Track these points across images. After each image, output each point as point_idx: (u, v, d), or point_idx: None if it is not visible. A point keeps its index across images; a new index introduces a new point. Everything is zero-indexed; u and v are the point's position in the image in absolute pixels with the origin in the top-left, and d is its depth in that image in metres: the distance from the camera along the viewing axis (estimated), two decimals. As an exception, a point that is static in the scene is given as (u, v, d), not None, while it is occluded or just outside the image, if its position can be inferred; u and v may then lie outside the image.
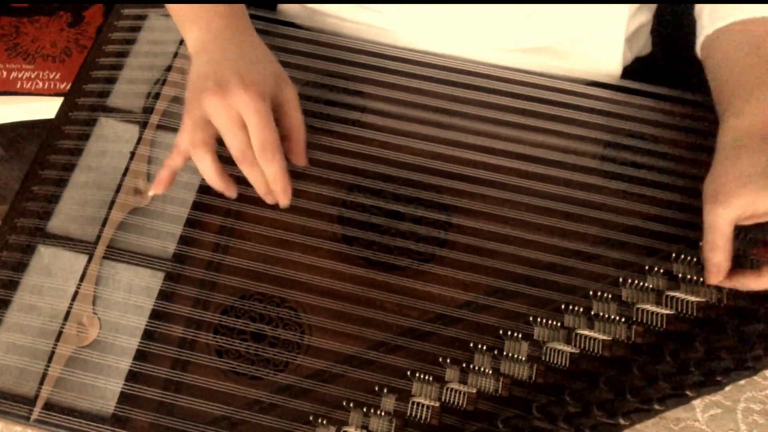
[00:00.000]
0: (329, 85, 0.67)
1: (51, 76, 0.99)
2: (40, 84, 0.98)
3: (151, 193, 0.58)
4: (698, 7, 0.63)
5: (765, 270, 0.55)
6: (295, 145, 0.58)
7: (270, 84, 0.56)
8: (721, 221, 0.54)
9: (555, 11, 0.65)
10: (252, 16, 0.70)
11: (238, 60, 0.56)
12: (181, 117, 0.56)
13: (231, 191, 0.57)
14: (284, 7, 0.73)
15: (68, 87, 0.96)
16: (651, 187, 0.63)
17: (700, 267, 0.58)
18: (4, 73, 0.98)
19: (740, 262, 0.58)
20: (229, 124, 0.54)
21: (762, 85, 0.57)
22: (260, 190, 0.57)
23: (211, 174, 0.55)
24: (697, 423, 0.55)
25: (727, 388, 0.55)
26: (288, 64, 0.68)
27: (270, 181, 0.56)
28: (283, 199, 0.57)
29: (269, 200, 0.58)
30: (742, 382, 0.56)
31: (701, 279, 0.58)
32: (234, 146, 0.54)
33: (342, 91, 0.67)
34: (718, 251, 0.55)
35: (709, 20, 0.62)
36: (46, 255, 0.59)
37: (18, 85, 0.98)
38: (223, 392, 0.54)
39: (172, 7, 0.62)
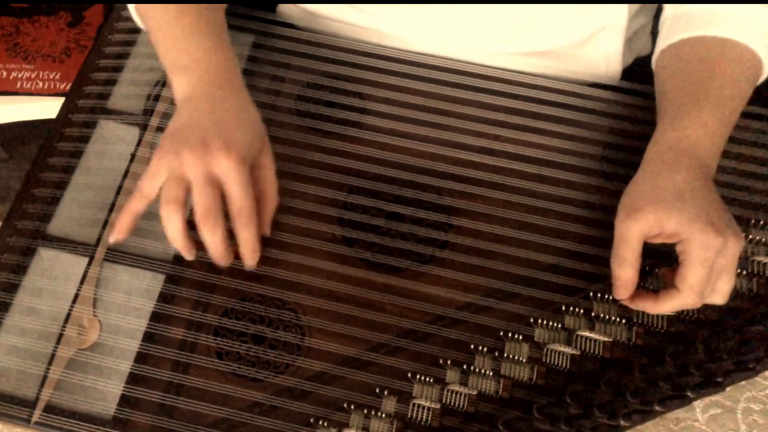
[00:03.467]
0: (328, 86, 0.67)
1: (51, 76, 0.99)
2: (40, 84, 0.98)
3: (112, 240, 0.55)
4: (660, 21, 0.64)
5: (662, 295, 0.54)
6: (264, 213, 0.57)
7: (253, 149, 0.54)
8: (630, 235, 0.53)
9: (554, 15, 0.65)
10: (252, 17, 0.70)
11: (225, 119, 0.54)
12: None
13: (190, 254, 0.54)
14: (283, 8, 0.73)
15: (68, 87, 0.96)
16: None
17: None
18: (4, 73, 0.98)
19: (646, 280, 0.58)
20: (203, 183, 0.52)
21: (697, 104, 0.57)
22: (215, 253, 0.54)
23: (176, 235, 0.53)
24: (697, 423, 0.55)
25: (727, 389, 0.55)
26: (287, 66, 0.68)
27: (242, 244, 0.54)
28: (251, 262, 0.56)
29: (221, 262, 0.55)
30: (742, 382, 0.56)
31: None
32: (201, 204, 0.52)
33: (341, 92, 0.67)
34: (625, 265, 0.54)
35: (666, 35, 0.62)
36: (46, 257, 0.59)
37: (18, 85, 0.98)
38: (224, 394, 0.54)
39: (161, 50, 0.59)
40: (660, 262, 0.58)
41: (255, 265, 0.56)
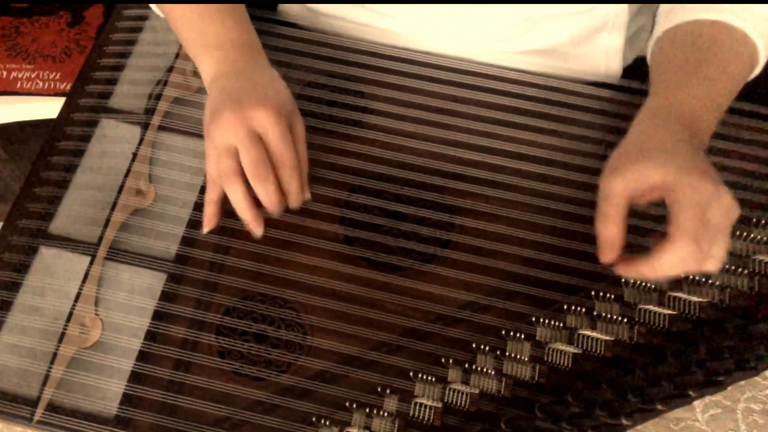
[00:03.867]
0: (330, 85, 0.67)
1: (51, 76, 0.99)
2: (40, 84, 0.98)
3: (205, 231, 0.57)
4: (657, 13, 0.64)
5: (655, 251, 0.50)
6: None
7: (287, 107, 0.56)
8: (614, 190, 0.51)
9: (555, 14, 0.65)
10: (252, 17, 0.70)
11: (254, 83, 0.56)
12: (187, 118, 0.55)
13: (257, 226, 0.55)
14: (285, 8, 0.73)
15: (68, 87, 0.96)
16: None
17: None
18: (4, 73, 0.98)
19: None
20: (247, 141, 0.53)
21: (693, 75, 0.57)
22: (270, 206, 0.55)
23: (241, 204, 0.54)
24: (697, 423, 0.55)
25: (727, 388, 0.55)
26: (289, 65, 0.68)
27: (289, 196, 0.55)
28: (296, 204, 0.57)
29: (277, 208, 0.55)
30: (742, 382, 0.56)
31: (704, 279, 0.58)
32: (248, 160, 0.53)
33: (343, 91, 0.67)
34: (609, 223, 0.51)
35: (662, 22, 0.62)
36: (48, 256, 0.59)
37: (18, 85, 0.98)
38: (226, 393, 0.54)
39: (184, 35, 0.61)
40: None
41: (297, 207, 0.57)
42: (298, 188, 0.55)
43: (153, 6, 0.68)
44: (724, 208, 0.50)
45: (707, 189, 0.49)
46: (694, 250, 0.48)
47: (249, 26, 0.61)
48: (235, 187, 0.54)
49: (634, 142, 0.54)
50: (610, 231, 0.52)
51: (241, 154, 0.53)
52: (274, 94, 0.56)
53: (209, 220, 0.56)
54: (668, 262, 0.49)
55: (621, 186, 0.51)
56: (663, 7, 0.63)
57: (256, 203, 0.55)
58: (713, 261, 0.50)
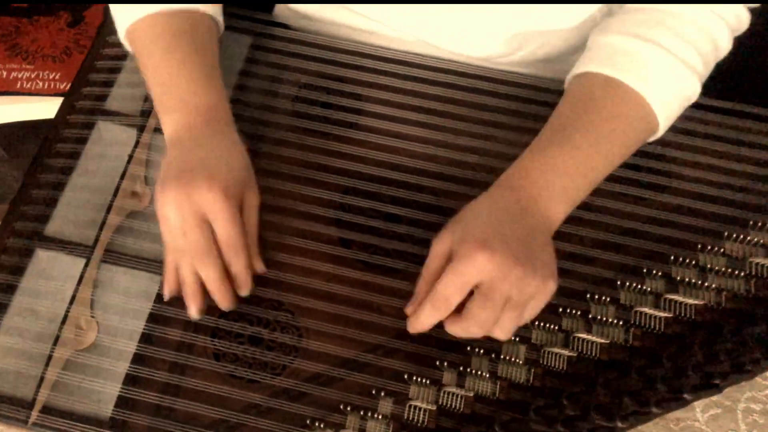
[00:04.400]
0: (325, 87, 0.67)
1: (51, 76, 0.99)
2: (40, 84, 0.99)
3: (166, 298, 0.56)
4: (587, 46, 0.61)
5: (459, 320, 0.51)
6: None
7: (238, 185, 0.54)
8: (430, 250, 0.53)
9: (548, 30, 0.64)
10: (248, 18, 0.70)
11: (209, 155, 0.54)
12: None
13: (195, 311, 0.55)
14: (280, 10, 0.73)
15: (68, 87, 0.96)
16: (649, 190, 0.62)
17: (698, 270, 0.58)
18: (4, 73, 0.99)
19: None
20: (188, 222, 0.52)
21: (556, 143, 0.55)
22: (212, 287, 0.54)
23: (188, 282, 0.54)
24: (697, 423, 0.55)
25: (727, 389, 0.55)
26: (283, 67, 0.68)
27: (236, 276, 0.55)
28: (244, 292, 0.56)
29: (224, 302, 0.55)
30: (737, 384, 0.56)
31: (700, 282, 0.58)
32: (190, 244, 0.53)
33: (338, 93, 0.67)
34: (420, 281, 0.54)
35: (575, 66, 0.59)
36: (43, 258, 0.59)
37: (18, 85, 0.98)
38: (221, 395, 0.54)
39: (152, 90, 0.59)
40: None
41: (247, 295, 0.56)
42: (243, 269, 0.54)
43: (126, 46, 0.64)
44: (507, 286, 0.49)
45: (480, 262, 0.49)
46: (429, 315, 0.51)
47: (219, 92, 0.58)
48: (185, 264, 0.54)
49: (465, 210, 0.54)
50: (419, 288, 0.54)
51: (186, 236, 0.52)
52: (226, 170, 0.54)
53: (168, 285, 0.56)
54: (420, 321, 0.52)
55: (437, 246, 0.53)
56: (590, 42, 0.60)
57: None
58: (501, 330, 0.51)
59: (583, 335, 0.56)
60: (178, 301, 0.56)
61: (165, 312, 0.56)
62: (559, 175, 0.53)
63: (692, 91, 0.58)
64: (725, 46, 0.59)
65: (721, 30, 0.57)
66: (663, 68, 0.56)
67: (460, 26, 0.65)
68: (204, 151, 0.55)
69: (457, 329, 0.51)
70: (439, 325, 0.56)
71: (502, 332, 0.51)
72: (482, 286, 0.50)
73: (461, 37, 0.66)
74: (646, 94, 0.55)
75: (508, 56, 0.67)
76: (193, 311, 0.55)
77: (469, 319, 0.50)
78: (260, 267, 0.57)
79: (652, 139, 0.59)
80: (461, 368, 0.54)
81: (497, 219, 0.52)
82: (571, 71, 0.60)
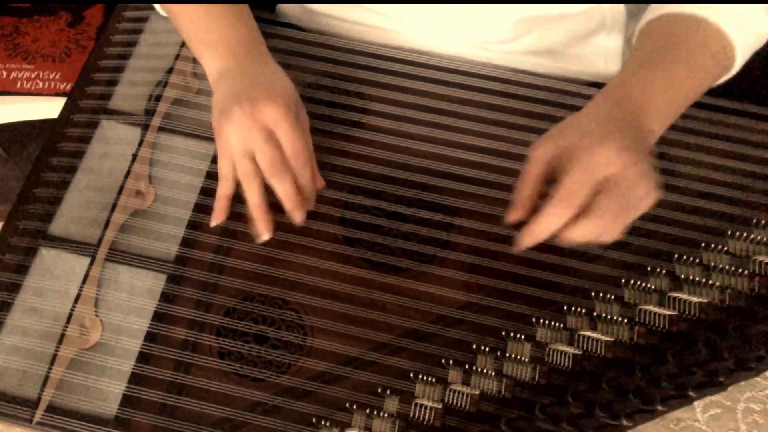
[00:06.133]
0: (330, 86, 0.67)
1: (51, 76, 0.99)
2: (40, 84, 0.98)
3: (212, 224, 0.58)
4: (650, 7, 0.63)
5: (585, 218, 0.50)
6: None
7: (294, 102, 0.56)
8: (533, 154, 0.53)
9: (552, 14, 0.65)
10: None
11: (260, 79, 0.56)
12: (188, 119, 0.55)
13: (267, 228, 0.56)
14: (283, 8, 0.73)
15: (68, 87, 0.96)
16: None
17: (702, 268, 0.59)
18: (4, 73, 0.98)
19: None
20: (261, 141, 0.53)
21: (652, 64, 0.56)
22: (289, 202, 0.56)
23: (257, 203, 0.55)
24: (697, 423, 0.55)
25: (727, 389, 0.55)
26: (288, 66, 0.68)
27: (304, 188, 0.56)
28: (312, 204, 0.58)
29: (298, 215, 0.56)
30: (742, 382, 0.56)
31: (704, 280, 0.58)
32: (265, 161, 0.54)
33: (343, 92, 0.67)
34: (521, 184, 0.53)
35: (647, 14, 0.62)
36: (48, 257, 0.59)
37: (18, 85, 0.98)
38: (226, 394, 0.54)
39: (189, 34, 0.62)
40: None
41: (312, 206, 0.58)
42: (311, 180, 0.56)
43: (157, 6, 0.68)
44: (631, 180, 0.50)
45: (606, 154, 0.49)
46: (563, 213, 0.50)
47: (253, 23, 0.61)
48: (254, 188, 0.55)
49: (576, 116, 0.55)
50: (519, 191, 0.54)
51: (257, 155, 0.54)
52: (281, 88, 0.56)
53: (219, 214, 0.57)
54: (543, 226, 0.51)
55: (540, 151, 0.53)
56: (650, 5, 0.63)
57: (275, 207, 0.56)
58: (607, 232, 0.51)
59: (588, 333, 0.56)
60: (181, 300, 0.57)
61: (169, 310, 0.56)
62: (658, 97, 0.55)
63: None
64: None
65: None
66: (743, 7, 0.57)
67: (465, 13, 0.65)
68: (253, 76, 0.57)
69: (581, 229, 0.50)
70: (443, 324, 0.56)
71: (612, 234, 0.51)
72: (609, 179, 0.49)
73: (468, 21, 0.66)
74: (729, 30, 0.57)
75: (513, 42, 0.67)
76: (266, 232, 0.56)
77: (599, 215, 0.49)
78: (322, 182, 0.59)
79: (725, 77, 0.60)
80: (467, 366, 0.54)
81: (613, 121, 0.53)
82: (643, 18, 0.61)
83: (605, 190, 0.50)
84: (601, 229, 0.50)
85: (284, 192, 0.55)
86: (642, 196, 0.51)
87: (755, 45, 0.60)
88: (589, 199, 0.50)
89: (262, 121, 0.54)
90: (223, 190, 0.57)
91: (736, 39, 0.57)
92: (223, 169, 0.56)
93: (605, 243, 0.52)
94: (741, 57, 0.59)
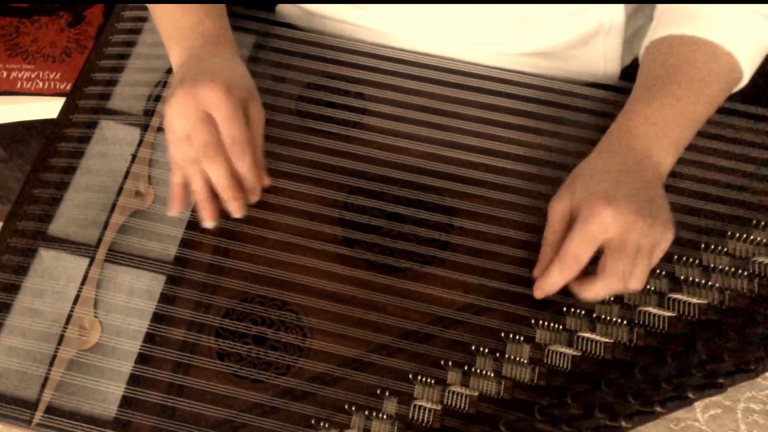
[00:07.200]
0: (329, 86, 0.67)
1: (51, 76, 0.99)
2: (40, 84, 0.98)
3: (170, 214, 0.58)
4: (654, 13, 0.63)
5: (596, 279, 0.53)
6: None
7: (240, 89, 0.55)
8: (551, 212, 0.55)
9: (551, 16, 0.64)
10: (251, 18, 0.70)
11: (212, 68, 0.56)
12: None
13: (209, 217, 0.56)
14: (283, 8, 0.73)
15: (68, 87, 0.96)
16: (652, 189, 0.62)
17: (702, 269, 0.58)
18: (4, 73, 0.98)
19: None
20: (195, 120, 0.53)
21: (659, 96, 0.57)
22: (223, 191, 0.55)
23: (198, 189, 0.55)
24: (697, 423, 0.55)
25: (727, 390, 0.55)
26: (287, 66, 0.68)
27: (244, 177, 0.56)
28: (254, 196, 0.58)
29: (234, 206, 0.56)
30: (741, 383, 0.56)
31: (704, 281, 0.58)
32: (197, 142, 0.53)
33: (342, 92, 0.67)
34: (544, 244, 0.56)
35: (652, 31, 0.62)
36: (47, 258, 0.59)
37: (18, 85, 0.98)
38: (225, 395, 0.54)
39: (160, 27, 0.62)
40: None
41: (256, 199, 0.58)
42: (250, 169, 0.55)
43: (149, 6, 0.68)
44: (634, 239, 0.51)
45: (605, 222, 0.51)
46: (564, 271, 0.53)
47: (221, 20, 0.61)
48: (193, 173, 0.55)
49: (586, 164, 0.56)
50: (543, 252, 0.56)
51: (192, 137, 0.53)
52: (228, 75, 0.55)
53: (173, 201, 0.57)
54: (552, 280, 0.54)
55: (557, 209, 0.55)
56: (657, 10, 0.63)
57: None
58: (635, 280, 0.52)
59: (587, 334, 0.56)
60: (180, 301, 0.57)
61: (169, 311, 0.56)
62: (666, 128, 0.56)
63: None
64: None
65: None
66: (743, 21, 0.58)
67: (464, 14, 0.65)
68: (205, 65, 0.57)
69: (596, 289, 0.53)
70: (442, 325, 0.56)
71: (638, 282, 0.52)
72: (612, 241, 0.51)
73: (467, 22, 0.66)
74: (732, 48, 0.57)
75: (512, 43, 0.67)
76: (208, 219, 0.56)
77: (606, 275, 0.52)
78: (266, 180, 0.58)
79: (737, 88, 0.61)
80: (466, 368, 0.54)
81: (615, 174, 0.54)
82: (647, 37, 0.62)
83: (610, 251, 0.52)
84: (616, 285, 0.52)
85: (216, 178, 0.54)
86: (656, 242, 0.52)
87: (760, 57, 0.60)
88: (590, 258, 0.53)
89: (200, 103, 0.53)
90: (175, 177, 0.57)
91: (741, 57, 0.58)
92: (172, 154, 0.56)
93: (636, 290, 0.53)
94: (748, 73, 0.59)
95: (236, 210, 0.56)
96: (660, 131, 0.56)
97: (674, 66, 0.58)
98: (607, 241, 0.52)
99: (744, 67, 0.58)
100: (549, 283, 0.54)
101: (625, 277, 0.52)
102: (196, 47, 0.59)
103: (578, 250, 0.52)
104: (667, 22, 0.60)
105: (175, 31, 0.60)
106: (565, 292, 0.57)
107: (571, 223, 0.54)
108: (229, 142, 0.54)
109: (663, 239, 0.53)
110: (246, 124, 0.55)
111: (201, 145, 0.53)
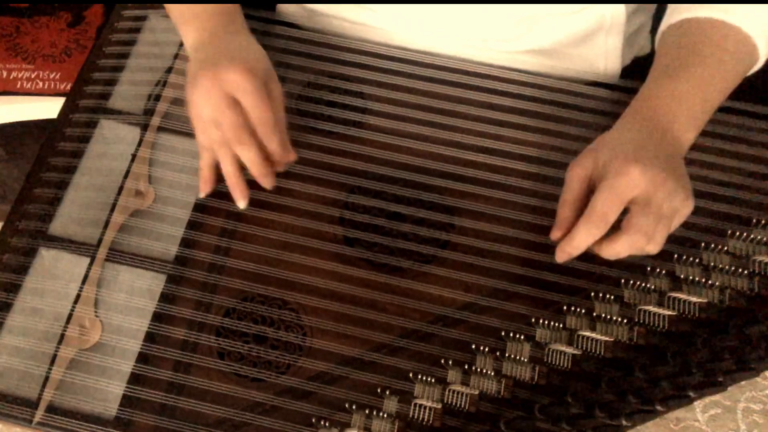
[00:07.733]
0: (330, 86, 0.67)
1: (51, 76, 0.99)
2: (40, 84, 0.98)
3: (202, 195, 0.60)
4: (668, 8, 0.64)
5: (620, 235, 0.52)
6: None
7: (260, 70, 0.56)
8: (569, 176, 0.55)
9: (553, 13, 0.65)
10: (251, 17, 0.70)
11: (229, 49, 0.57)
12: (187, 119, 0.56)
13: (241, 196, 0.58)
14: (283, 8, 0.73)
15: (68, 87, 0.96)
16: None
17: (702, 268, 0.58)
18: (4, 73, 0.98)
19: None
20: (224, 107, 0.54)
21: (679, 75, 0.57)
22: (255, 169, 0.57)
23: (230, 171, 0.57)
24: (697, 423, 0.55)
25: (727, 389, 0.55)
26: (288, 65, 0.68)
27: (272, 153, 0.57)
28: (281, 168, 0.59)
29: (266, 181, 0.58)
30: (742, 382, 0.56)
31: (704, 280, 0.58)
32: (226, 126, 0.54)
33: (343, 92, 0.67)
34: (562, 205, 0.55)
35: (667, 17, 0.62)
36: (47, 258, 0.59)
37: (18, 85, 0.98)
38: (226, 394, 0.54)
39: (170, 9, 0.63)
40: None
41: (282, 170, 0.60)
42: (279, 146, 0.56)
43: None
44: (660, 198, 0.51)
45: (634, 175, 0.51)
46: (594, 226, 0.52)
47: (234, 3, 0.62)
48: (224, 156, 0.56)
49: (606, 135, 0.56)
50: (562, 213, 0.55)
51: (220, 121, 0.54)
52: (247, 55, 0.57)
53: (205, 183, 0.59)
54: (574, 243, 0.53)
55: (577, 172, 0.54)
56: (672, 5, 0.63)
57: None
58: (647, 245, 0.52)
59: (588, 333, 0.56)
60: (180, 300, 0.57)
61: (169, 311, 0.56)
62: (685, 104, 0.56)
63: None
64: None
65: None
66: (759, 4, 0.58)
67: (466, 12, 0.66)
68: (222, 46, 0.58)
69: (618, 246, 0.52)
70: (443, 324, 0.56)
71: (656, 245, 0.53)
72: (639, 198, 0.51)
73: (469, 20, 0.66)
74: (748, 28, 0.58)
75: (514, 40, 0.67)
76: (242, 202, 0.58)
77: (633, 231, 0.51)
78: (294, 154, 0.59)
79: (754, 69, 0.61)
80: (466, 366, 0.54)
81: (641, 142, 0.54)
82: (663, 23, 0.62)
83: (637, 208, 0.52)
84: (640, 242, 0.52)
85: (248, 158, 0.56)
86: (677, 207, 0.53)
87: None
88: (617, 216, 0.52)
89: (225, 87, 0.54)
90: (203, 161, 0.58)
91: (757, 38, 0.58)
92: (199, 138, 0.57)
93: (651, 253, 0.53)
94: (764, 54, 0.60)
95: (268, 184, 0.58)
96: (681, 107, 0.56)
97: (689, 47, 0.59)
98: (634, 199, 0.51)
99: (761, 48, 0.59)
100: (574, 244, 0.53)
101: (648, 235, 0.51)
102: (212, 27, 0.59)
103: (606, 208, 0.51)
104: (682, 8, 0.61)
105: (189, 10, 0.61)
106: (568, 290, 0.58)
107: (591, 188, 0.54)
108: (257, 123, 0.55)
109: (684, 206, 0.53)
110: (270, 104, 0.55)
111: (229, 128, 0.54)
